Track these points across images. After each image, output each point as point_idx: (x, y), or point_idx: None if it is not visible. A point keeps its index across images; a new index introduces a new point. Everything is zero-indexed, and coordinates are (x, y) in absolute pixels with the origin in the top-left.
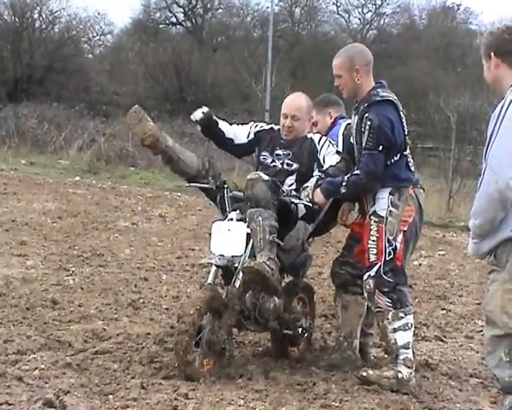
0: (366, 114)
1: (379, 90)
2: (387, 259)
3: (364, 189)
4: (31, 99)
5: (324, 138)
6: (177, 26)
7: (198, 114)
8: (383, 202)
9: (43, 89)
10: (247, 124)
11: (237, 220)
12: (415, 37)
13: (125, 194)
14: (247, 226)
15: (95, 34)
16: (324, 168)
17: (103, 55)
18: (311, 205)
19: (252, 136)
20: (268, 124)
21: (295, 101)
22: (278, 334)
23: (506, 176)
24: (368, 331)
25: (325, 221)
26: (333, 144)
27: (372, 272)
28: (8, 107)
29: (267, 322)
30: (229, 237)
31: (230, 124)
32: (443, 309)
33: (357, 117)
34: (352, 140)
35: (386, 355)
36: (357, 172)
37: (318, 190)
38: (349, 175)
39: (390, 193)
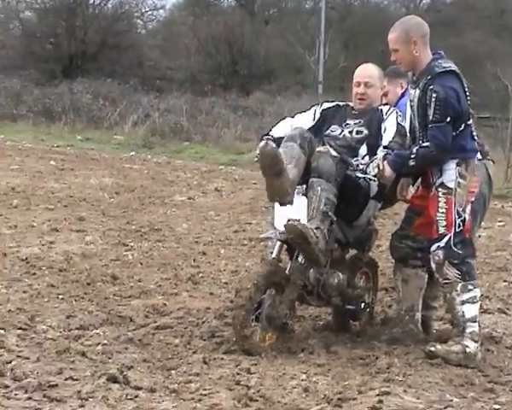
0: (430, 87)
1: (440, 61)
2: (457, 230)
3: (434, 161)
4: (85, 75)
5: (392, 110)
6: (229, 0)
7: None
8: (451, 173)
9: (97, 65)
10: (309, 110)
11: (302, 195)
12: (468, 5)
13: (181, 168)
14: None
15: (147, 9)
16: (384, 143)
17: (156, 30)
18: (377, 179)
19: (318, 115)
20: (333, 102)
21: (367, 68)
22: (340, 309)
23: None
24: (432, 304)
25: (390, 195)
26: (399, 116)
27: (442, 243)
28: (63, 83)
29: (330, 298)
30: (291, 211)
31: (292, 117)
32: (504, 281)
33: (417, 90)
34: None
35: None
36: (426, 144)
37: (386, 163)
38: (417, 147)
39: (457, 164)
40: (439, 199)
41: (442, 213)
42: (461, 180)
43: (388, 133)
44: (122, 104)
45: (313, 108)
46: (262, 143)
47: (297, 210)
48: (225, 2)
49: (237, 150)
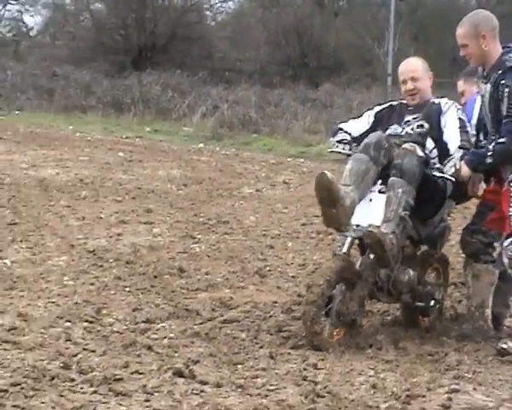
0: (502, 81)
1: (510, 54)
2: None
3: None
4: (155, 67)
5: (450, 102)
6: None
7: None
8: None
9: (167, 56)
10: (363, 115)
11: (380, 192)
12: None
13: (249, 160)
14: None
15: (216, 1)
16: (458, 144)
17: (225, 22)
18: (454, 179)
19: (372, 118)
20: (384, 103)
21: (409, 63)
22: (410, 305)
23: None
24: (507, 302)
25: (463, 192)
26: (458, 110)
27: None
28: (132, 75)
29: (400, 294)
30: (368, 208)
31: (346, 121)
32: None
33: (489, 85)
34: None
35: None
36: (502, 140)
37: (463, 162)
38: (494, 144)
39: None
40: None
41: None
42: None
43: (453, 131)
44: (191, 96)
45: (366, 114)
46: (318, 173)
47: (374, 208)
48: None
49: (306, 142)
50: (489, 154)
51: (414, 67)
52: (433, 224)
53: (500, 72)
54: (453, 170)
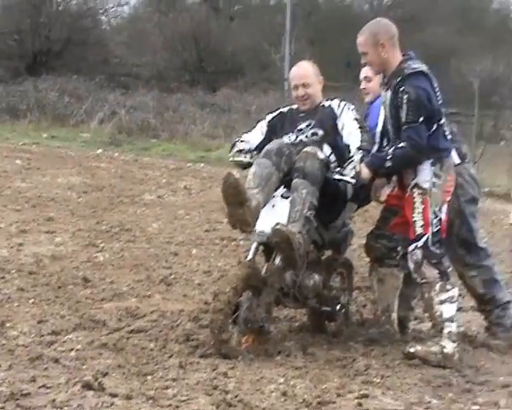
0: (401, 88)
1: (409, 62)
2: (434, 230)
3: (410, 161)
4: (50, 72)
5: (343, 103)
6: None
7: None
8: (426, 173)
9: (63, 62)
10: (256, 126)
11: (282, 197)
12: (432, 1)
13: (149, 166)
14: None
15: (111, 5)
16: (357, 145)
17: (120, 27)
18: (354, 181)
19: (265, 128)
20: (275, 111)
21: (299, 69)
22: (316, 310)
23: None
24: (410, 305)
25: (364, 195)
26: (352, 110)
27: (420, 243)
28: (28, 80)
29: (306, 299)
30: (272, 213)
31: (240, 137)
32: (498, 283)
33: (389, 92)
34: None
35: (423, 328)
36: (402, 144)
37: (363, 164)
38: (394, 148)
39: (432, 164)
40: (415, 200)
41: (418, 213)
42: (436, 180)
43: (353, 133)
44: (88, 101)
45: (259, 125)
46: (225, 173)
47: (277, 213)
48: None
49: (205, 147)
50: (388, 157)
51: (304, 73)
52: (335, 228)
53: (399, 79)
54: (353, 173)
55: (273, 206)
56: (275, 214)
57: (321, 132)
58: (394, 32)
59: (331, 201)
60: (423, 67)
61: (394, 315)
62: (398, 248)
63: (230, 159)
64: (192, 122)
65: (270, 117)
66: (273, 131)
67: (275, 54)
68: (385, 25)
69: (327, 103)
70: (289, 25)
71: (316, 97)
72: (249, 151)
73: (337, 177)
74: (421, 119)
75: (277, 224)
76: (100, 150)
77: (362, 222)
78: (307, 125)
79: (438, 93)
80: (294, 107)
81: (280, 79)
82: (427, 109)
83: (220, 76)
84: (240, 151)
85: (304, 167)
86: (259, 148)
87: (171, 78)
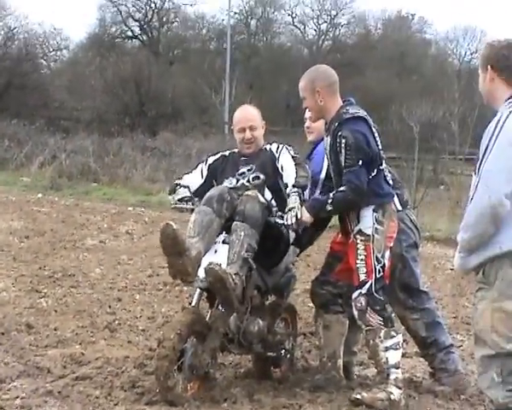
0: (339, 133)
1: (348, 107)
2: (378, 277)
3: (350, 205)
4: None
5: (281, 146)
6: (133, 40)
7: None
8: (368, 219)
9: (2, 105)
10: (197, 168)
11: (224, 243)
12: (370, 46)
13: (90, 211)
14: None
15: (51, 49)
16: (292, 182)
17: (60, 71)
18: (295, 226)
19: (205, 172)
20: (217, 154)
21: (247, 112)
22: (261, 356)
23: (499, 192)
24: (352, 350)
25: (308, 236)
26: (289, 150)
27: (363, 290)
28: None
29: (251, 345)
30: (213, 259)
31: (180, 178)
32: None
33: (329, 138)
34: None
35: (368, 374)
36: (342, 188)
37: (304, 208)
38: (334, 192)
39: (374, 210)
40: (358, 246)
41: (361, 260)
42: (378, 226)
43: (290, 170)
44: (28, 145)
45: (199, 167)
46: (163, 224)
47: (219, 258)
48: (129, 42)
49: (146, 191)
50: (329, 201)
51: (251, 116)
52: (278, 273)
53: (337, 124)
54: (294, 219)
55: (215, 251)
56: (216, 260)
57: (262, 176)
58: (333, 79)
59: (273, 245)
60: (361, 113)
61: (340, 361)
62: (343, 295)
63: (172, 206)
64: (133, 166)
65: (211, 160)
66: (214, 175)
67: (215, 98)
68: (323, 72)
69: (267, 147)
70: (229, 69)
71: (260, 141)
72: (190, 199)
73: (279, 221)
74: (360, 162)
75: (210, 263)
76: (40, 195)
77: (304, 267)
78: (248, 170)
79: (377, 138)
80: (236, 150)
81: (220, 123)
82: (366, 152)
83: (161, 120)
84: (181, 199)
85: (244, 210)
86: (199, 192)
87: (111, 121)
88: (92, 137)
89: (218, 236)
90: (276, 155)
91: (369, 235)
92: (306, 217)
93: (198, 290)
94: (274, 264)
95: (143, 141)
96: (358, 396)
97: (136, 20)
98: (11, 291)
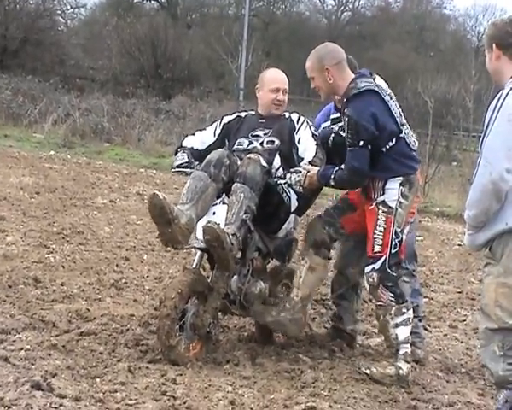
0: (345, 110)
1: (358, 81)
2: (393, 252)
3: (350, 184)
4: (5, 71)
5: (303, 118)
6: (152, 2)
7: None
8: (394, 192)
9: (18, 61)
10: (212, 125)
11: (223, 204)
12: (389, 19)
13: (102, 170)
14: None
15: (68, 7)
16: (309, 159)
17: (77, 29)
18: (298, 189)
19: (219, 130)
20: (233, 113)
21: (281, 74)
22: None
23: (500, 167)
24: (358, 318)
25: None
26: (310, 126)
27: (377, 266)
28: None
29: (253, 306)
30: (212, 219)
31: (193, 134)
32: (425, 297)
33: (343, 115)
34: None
35: (371, 343)
36: (342, 167)
37: (314, 172)
38: (337, 169)
39: (401, 184)
40: (379, 217)
41: (380, 231)
42: (403, 200)
43: (309, 146)
44: (42, 102)
45: (214, 124)
46: (150, 194)
47: (218, 218)
48: (147, 4)
49: (158, 153)
50: (332, 177)
51: (286, 80)
52: (279, 237)
53: (345, 101)
54: (296, 182)
55: (214, 213)
56: (215, 220)
57: (277, 142)
58: (341, 56)
59: (274, 212)
60: (371, 85)
61: (309, 306)
62: (336, 244)
63: (172, 170)
64: (146, 128)
65: (226, 120)
66: (227, 134)
67: (231, 63)
68: (330, 50)
69: (287, 114)
70: (246, 35)
71: (285, 107)
72: (188, 164)
73: (280, 181)
74: (360, 142)
75: (209, 222)
76: (52, 152)
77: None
78: (265, 133)
79: (392, 107)
80: (253, 112)
81: (235, 89)
82: (369, 132)
83: (176, 83)
84: (179, 165)
85: (245, 172)
86: (210, 150)
87: (126, 82)
88: (107, 97)
89: (216, 199)
90: (297, 126)
91: (392, 208)
92: (314, 181)
93: (198, 253)
94: (273, 231)
95: (157, 103)
96: (368, 371)
97: None
98: (20, 245)
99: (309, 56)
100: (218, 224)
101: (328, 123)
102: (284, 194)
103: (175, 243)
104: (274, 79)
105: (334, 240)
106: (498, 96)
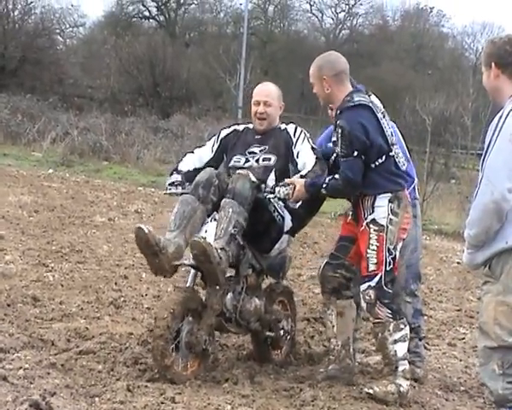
0: (338, 122)
1: (353, 95)
2: (388, 269)
3: (343, 194)
4: (3, 90)
5: (299, 130)
6: (150, 20)
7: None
8: (383, 209)
9: (17, 80)
10: (210, 139)
11: (214, 220)
12: (387, 38)
13: (100, 188)
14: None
15: (67, 26)
16: (302, 173)
17: (76, 48)
18: (286, 200)
19: (216, 146)
20: (230, 127)
21: (265, 87)
22: (260, 337)
23: (502, 187)
24: (357, 337)
25: (302, 215)
26: (308, 138)
27: (373, 283)
28: None
29: (248, 324)
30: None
31: (192, 152)
32: (423, 315)
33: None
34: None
35: (370, 362)
36: (336, 176)
37: (302, 183)
38: (330, 178)
39: (389, 200)
40: (371, 235)
41: (373, 250)
42: (393, 217)
43: (308, 163)
44: (41, 121)
45: (212, 139)
46: (135, 228)
47: (209, 236)
48: (146, 22)
49: (157, 172)
50: (324, 186)
51: (269, 92)
52: (272, 255)
53: (339, 112)
54: (285, 195)
55: (206, 231)
56: (206, 237)
57: (274, 158)
58: (342, 67)
59: (265, 231)
60: (365, 100)
61: (351, 348)
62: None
63: (164, 192)
64: (144, 147)
65: (224, 133)
66: (225, 149)
67: (230, 81)
68: (331, 60)
69: (283, 126)
70: (245, 53)
71: (273, 120)
72: (181, 183)
73: (269, 196)
74: (355, 153)
75: (195, 236)
76: (51, 170)
77: (312, 254)
78: (261, 150)
79: (384, 125)
80: (251, 126)
81: (233, 108)
82: (362, 143)
83: (174, 102)
84: (172, 184)
85: (234, 188)
86: (210, 164)
87: (124, 101)
88: (105, 116)
89: (208, 216)
90: (294, 139)
91: (382, 225)
92: (301, 192)
93: (192, 271)
94: (265, 250)
95: (156, 122)
96: (371, 391)
97: (153, 1)
98: (18, 264)
99: (313, 62)
100: (205, 238)
101: (330, 145)
102: (276, 213)
103: (163, 272)
104: (256, 92)
105: (349, 279)
106: (499, 115)
